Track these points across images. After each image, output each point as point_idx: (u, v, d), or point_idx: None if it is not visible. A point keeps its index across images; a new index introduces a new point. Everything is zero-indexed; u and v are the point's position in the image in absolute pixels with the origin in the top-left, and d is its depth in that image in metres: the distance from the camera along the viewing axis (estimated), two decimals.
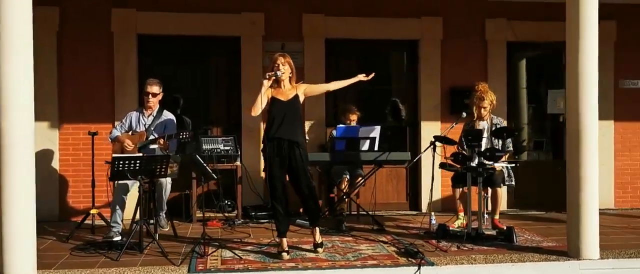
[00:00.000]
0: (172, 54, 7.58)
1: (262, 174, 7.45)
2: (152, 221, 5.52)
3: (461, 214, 6.30)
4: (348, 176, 6.86)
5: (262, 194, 7.35)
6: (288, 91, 5.12)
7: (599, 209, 7.94)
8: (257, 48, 7.42)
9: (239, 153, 7.08)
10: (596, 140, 5.00)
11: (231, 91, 7.64)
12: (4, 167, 4.36)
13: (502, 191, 6.15)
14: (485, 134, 6.10)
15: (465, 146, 6.01)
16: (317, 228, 5.26)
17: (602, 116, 8.10)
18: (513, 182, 6.29)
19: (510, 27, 7.80)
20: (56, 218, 7.07)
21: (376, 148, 6.61)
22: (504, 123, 6.28)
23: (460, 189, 6.22)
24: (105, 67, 7.17)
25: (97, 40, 7.17)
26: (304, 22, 7.49)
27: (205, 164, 5.07)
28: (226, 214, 6.95)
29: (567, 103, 5.14)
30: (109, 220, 5.63)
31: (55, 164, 7.11)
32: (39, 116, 6.99)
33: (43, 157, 6.99)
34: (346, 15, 7.53)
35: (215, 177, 5.18)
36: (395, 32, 7.66)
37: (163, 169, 5.19)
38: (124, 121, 5.95)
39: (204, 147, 6.77)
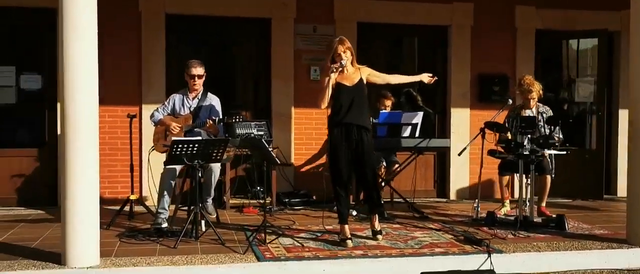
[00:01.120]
0: (201, 35, 7.32)
1: (293, 160, 7.31)
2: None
3: (507, 201, 6.26)
4: (384, 163, 6.75)
5: (292, 181, 7.21)
6: (352, 74, 4.97)
7: (619, 197, 8.10)
8: (288, 31, 7.23)
9: (272, 138, 6.89)
10: None
11: (260, 74, 7.44)
12: (68, 153, 4.14)
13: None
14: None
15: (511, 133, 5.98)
16: (376, 215, 5.15)
17: (625, 105, 8.20)
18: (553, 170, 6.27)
19: (538, 15, 7.78)
20: None
21: (417, 134, 6.51)
22: (550, 112, 6.23)
23: (507, 176, 6.18)
24: (132, 48, 6.89)
25: (124, 20, 6.86)
26: (335, 5, 7.33)
27: (270, 149, 4.89)
28: (260, 201, 6.78)
29: (630, 94, 5.11)
30: (155, 206, 5.41)
31: None
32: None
33: None
34: None
35: (278, 162, 5.01)
36: (427, 18, 7.57)
37: (220, 153, 4.99)
38: (166, 103, 5.70)
39: (237, 131, 6.57)
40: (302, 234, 5.32)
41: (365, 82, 5.03)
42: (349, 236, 4.92)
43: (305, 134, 7.33)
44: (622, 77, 8.05)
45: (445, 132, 7.74)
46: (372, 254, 4.63)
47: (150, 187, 5.86)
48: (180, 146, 4.77)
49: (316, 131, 7.37)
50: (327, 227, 5.62)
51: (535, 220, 5.76)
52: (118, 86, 6.82)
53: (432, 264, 4.56)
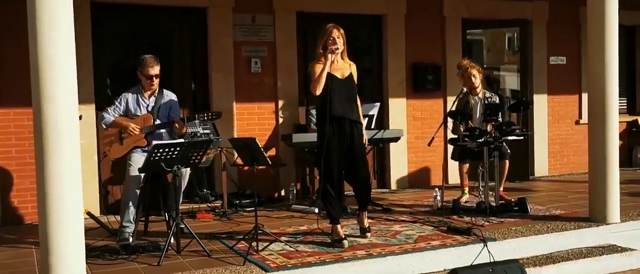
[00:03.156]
0: (132, 25, 6.61)
1: (237, 160, 6.87)
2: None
3: (466, 189, 6.37)
4: None
5: (236, 180, 6.79)
6: (342, 66, 4.73)
7: (537, 177, 8.64)
8: (226, 21, 6.76)
9: (220, 137, 6.42)
10: (617, 116, 5.30)
11: (197, 68, 6.89)
12: (48, 168, 3.53)
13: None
14: (480, 110, 6.18)
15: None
16: (365, 213, 4.96)
17: (539, 91, 8.76)
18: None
19: (464, 4, 8.00)
20: None
21: (373, 126, 6.41)
22: (496, 97, 6.41)
23: (467, 164, 6.28)
24: None
25: None
26: None
27: (262, 149, 4.50)
28: (209, 205, 6.31)
29: (590, 82, 5.37)
30: (120, 221, 4.81)
31: None
32: None
33: None
34: None
35: (270, 162, 4.63)
36: (364, 7, 7.49)
37: (200, 156, 4.52)
38: (117, 103, 5.05)
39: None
40: (283, 238, 5.00)
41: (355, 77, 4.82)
42: (344, 236, 4.70)
43: (248, 130, 6.92)
44: (535, 65, 8.56)
45: (382, 123, 7.71)
46: (376, 253, 4.45)
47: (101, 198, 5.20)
48: (161, 150, 4.23)
49: (259, 126, 7.01)
50: (300, 228, 5.38)
51: (497, 204, 5.91)
52: None
53: (437, 258, 4.52)
